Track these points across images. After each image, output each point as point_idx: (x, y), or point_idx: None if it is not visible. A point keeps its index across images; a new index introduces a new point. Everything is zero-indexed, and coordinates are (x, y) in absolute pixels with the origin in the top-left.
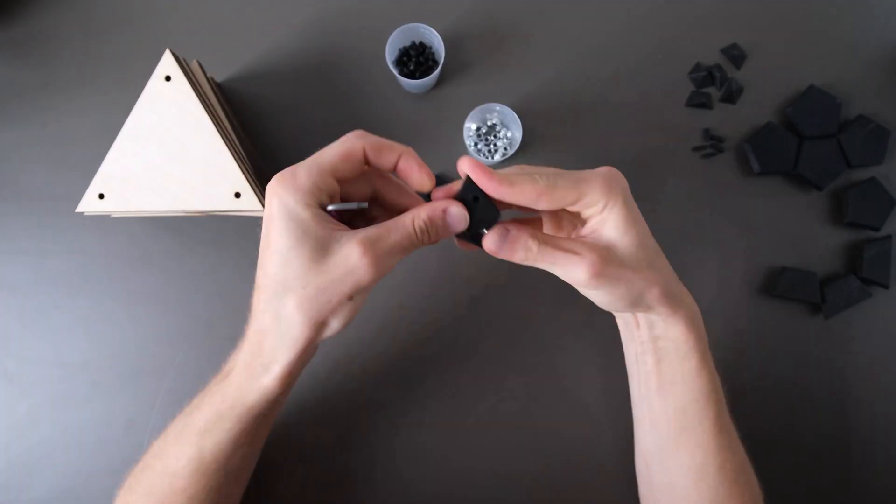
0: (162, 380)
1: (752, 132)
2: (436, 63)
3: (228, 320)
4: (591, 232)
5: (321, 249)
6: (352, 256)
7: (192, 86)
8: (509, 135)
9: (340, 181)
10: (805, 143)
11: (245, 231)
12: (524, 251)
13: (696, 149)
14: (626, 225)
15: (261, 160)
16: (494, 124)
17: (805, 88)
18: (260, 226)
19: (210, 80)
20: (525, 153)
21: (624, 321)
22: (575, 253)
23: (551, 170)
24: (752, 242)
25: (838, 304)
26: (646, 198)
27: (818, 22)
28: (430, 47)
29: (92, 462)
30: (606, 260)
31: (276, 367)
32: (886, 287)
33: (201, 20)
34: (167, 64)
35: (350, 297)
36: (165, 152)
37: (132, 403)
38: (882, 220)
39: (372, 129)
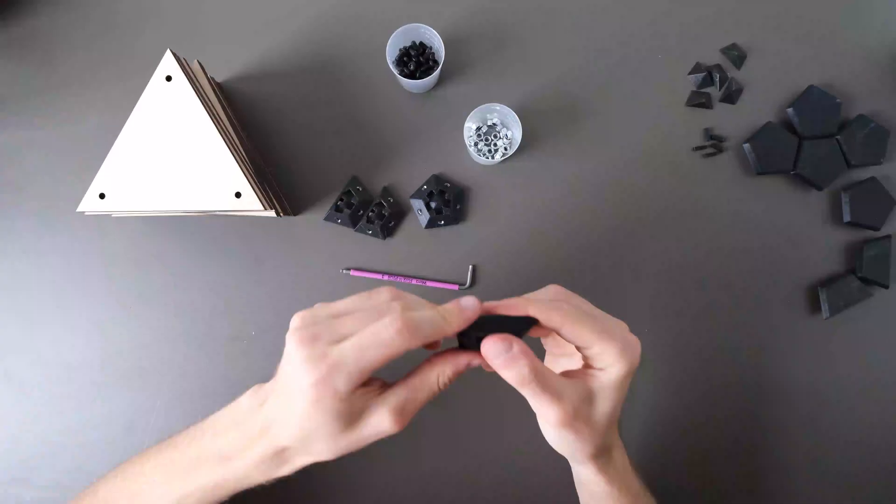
0: (162, 380)
1: (752, 132)
2: (436, 63)
3: (228, 320)
4: (582, 371)
5: (352, 423)
6: (383, 423)
7: (192, 86)
8: (509, 134)
9: None
10: (805, 143)
11: (245, 231)
12: (518, 375)
13: (697, 149)
14: (614, 392)
15: (261, 160)
16: (495, 124)
17: (805, 88)
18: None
19: (210, 80)
20: (525, 153)
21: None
22: (557, 398)
23: (585, 306)
24: (752, 242)
25: (838, 304)
26: (646, 197)
27: (818, 22)
28: (430, 47)
29: (92, 462)
30: (578, 414)
31: (292, 468)
32: (886, 287)
33: (201, 20)
34: (168, 64)
35: (373, 439)
36: (166, 152)
37: (132, 403)
38: (882, 220)
39: (372, 128)
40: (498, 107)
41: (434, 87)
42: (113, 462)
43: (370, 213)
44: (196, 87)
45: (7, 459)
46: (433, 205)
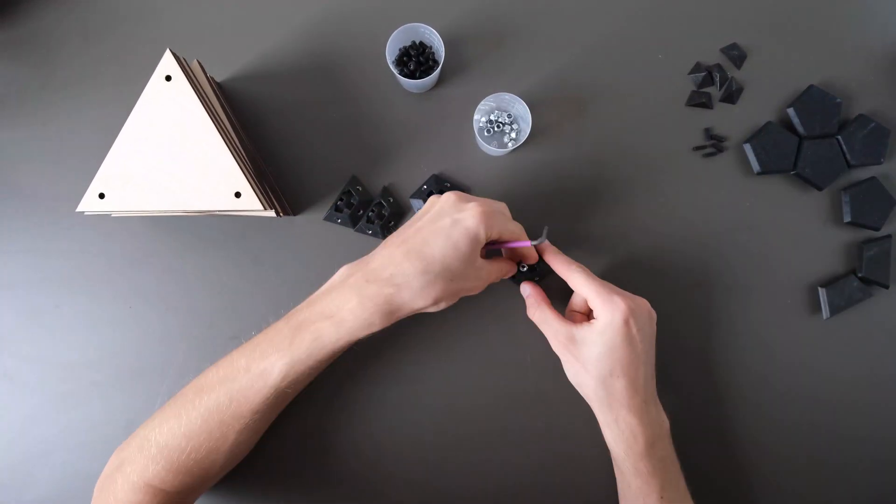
0: (162, 380)
1: (752, 132)
2: (436, 63)
3: (228, 320)
4: (581, 320)
5: (475, 265)
6: (488, 268)
7: (192, 86)
8: (516, 127)
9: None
10: (805, 142)
11: (245, 231)
12: (532, 307)
13: (697, 148)
14: (598, 338)
15: (261, 160)
16: (510, 114)
17: (805, 88)
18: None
19: (210, 80)
20: (526, 151)
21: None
22: (552, 328)
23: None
24: (752, 242)
25: (838, 304)
26: (646, 197)
27: (818, 22)
28: (430, 47)
29: (92, 462)
30: (569, 341)
31: (399, 315)
32: (886, 287)
33: (201, 20)
34: (167, 64)
35: (468, 290)
36: (165, 152)
37: (132, 403)
38: (882, 220)
39: (372, 128)
40: (507, 96)
41: (434, 87)
42: None
43: (370, 213)
44: (196, 86)
45: (7, 459)
46: None
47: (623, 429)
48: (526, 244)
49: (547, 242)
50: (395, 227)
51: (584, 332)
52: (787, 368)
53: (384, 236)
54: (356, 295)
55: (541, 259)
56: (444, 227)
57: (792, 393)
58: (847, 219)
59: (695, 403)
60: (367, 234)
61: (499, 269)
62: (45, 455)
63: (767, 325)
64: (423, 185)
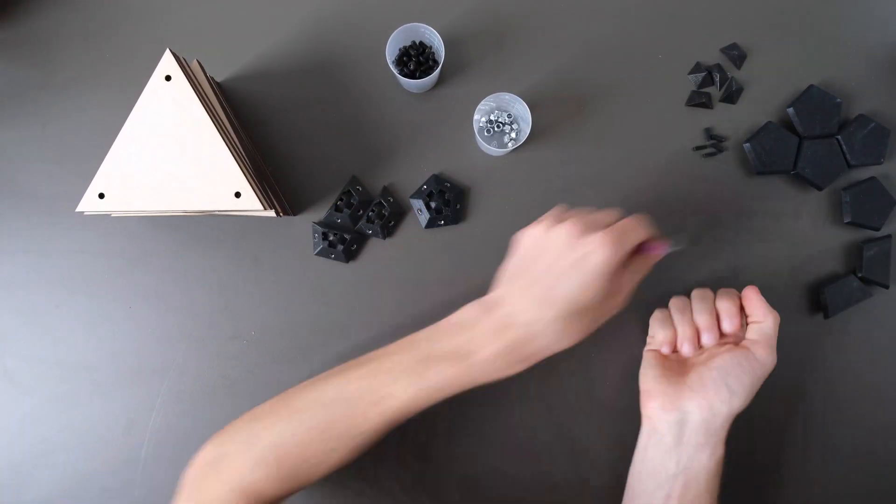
0: (162, 380)
1: (752, 132)
2: (436, 63)
3: (228, 320)
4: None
5: (612, 289)
6: (618, 300)
7: (192, 85)
8: (516, 126)
9: None
10: (805, 142)
11: (245, 231)
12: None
13: (697, 148)
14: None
15: (261, 160)
16: (510, 114)
17: (805, 88)
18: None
19: (210, 80)
20: (526, 151)
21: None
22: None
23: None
24: (752, 242)
25: (838, 304)
26: (646, 197)
27: (818, 22)
28: (430, 47)
29: (92, 462)
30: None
31: (534, 360)
32: (886, 287)
33: (201, 20)
34: (167, 64)
35: (600, 321)
36: (165, 152)
37: (132, 403)
38: (882, 220)
39: (372, 128)
40: (507, 96)
41: (434, 87)
42: (113, 462)
43: (370, 213)
44: (196, 86)
45: (7, 459)
46: (433, 205)
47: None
48: (664, 251)
49: (752, 289)
50: (395, 226)
51: (753, 347)
52: (787, 368)
53: (384, 236)
54: (493, 341)
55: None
56: (571, 266)
57: (792, 393)
58: (847, 219)
59: None
60: (368, 233)
61: (639, 273)
62: (45, 455)
63: None
64: (423, 184)
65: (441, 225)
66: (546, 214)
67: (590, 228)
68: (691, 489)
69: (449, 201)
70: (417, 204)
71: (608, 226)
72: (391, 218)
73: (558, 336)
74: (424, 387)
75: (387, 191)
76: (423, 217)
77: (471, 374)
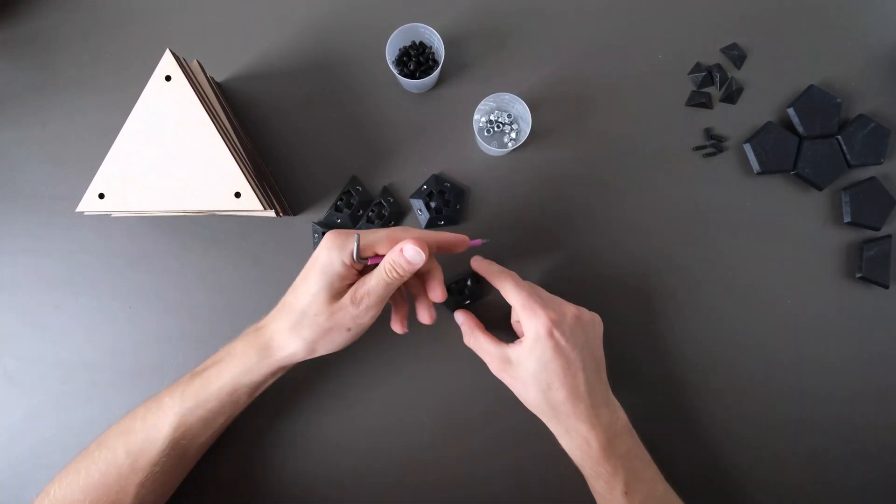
0: (162, 380)
1: (752, 132)
2: (436, 63)
3: (228, 320)
4: (515, 344)
5: (335, 296)
6: (343, 301)
7: (192, 86)
8: (517, 126)
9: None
10: (805, 142)
11: (245, 231)
12: (467, 335)
13: (697, 148)
14: (530, 356)
15: (261, 160)
16: (510, 114)
17: (805, 88)
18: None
19: (210, 80)
20: (526, 151)
21: None
22: (488, 353)
23: (539, 291)
24: (752, 242)
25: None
26: (646, 197)
27: (818, 22)
28: (430, 47)
29: None
30: (502, 366)
31: (281, 354)
32: (886, 287)
33: (201, 20)
34: (167, 64)
35: (348, 329)
36: (165, 152)
37: (132, 403)
38: (882, 220)
39: (372, 128)
40: (507, 96)
41: (434, 87)
42: None
43: (370, 213)
44: (195, 86)
45: (6, 459)
46: (433, 205)
47: (575, 437)
48: (417, 253)
49: (479, 259)
50: (395, 226)
51: (517, 351)
52: (787, 368)
53: None
54: (241, 341)
55: (473, 282)
56: (304, 269)
57: (792, 393)
58: (847, 219)
59: (693, 403)
60: None
61: (376, 295)
62: (45, 455)
63: (767, 324)
64: (423, 184)
65: (441, 225)
66: None
67: (341, 233)
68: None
69: (449, 201)
70: (417, 204)
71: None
72: (391, 218)
73: (288, 338)
74: (187, 402)
75: (387, 191)
76: (423, 217)
77: (223, 376)
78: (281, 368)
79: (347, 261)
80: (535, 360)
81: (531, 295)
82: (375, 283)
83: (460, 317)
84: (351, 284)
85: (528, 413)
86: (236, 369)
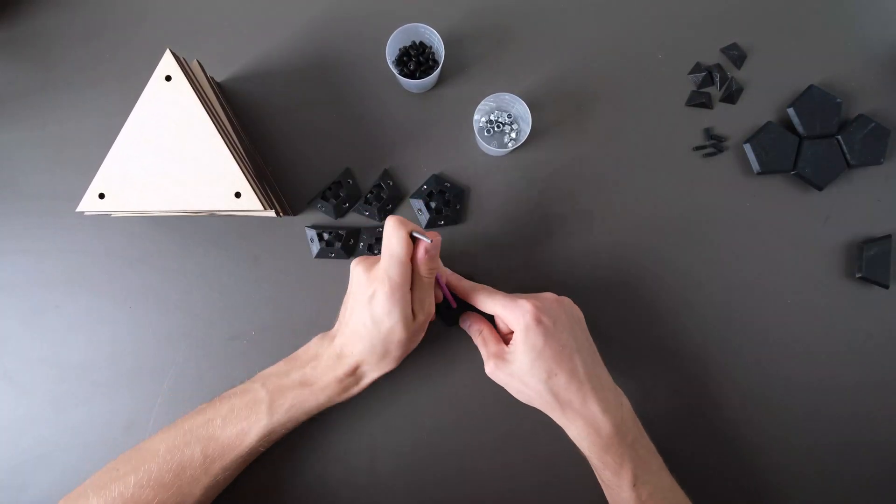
0: (162, 380)
1: (752, 132)
2: (436, 63)
3: (228, 320)
4: (509, 344)
5: (410, 320)
6: (419, 321)
7: (192, 86)
8: (517, 126)
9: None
10: (805, 142)
11: (245, 231)
12: (475, 334)
13: (697, 148)
14: (522, 347)
15: (261, 160)
16: (510, 114)
17: (805, 88)
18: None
19: (210, 80)
20: (526, 151)
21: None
22: (486, 350)
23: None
24: (752, 242)
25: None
26: (646, 197)
27: (818, 22)
28: (430, 47)
29: (92, 462)
30: (496, 366)
31: (366, 382)
32: (886, 287)
33: (201, 20)
34: (167, 64)
35: (419, 338)
36: (165, 152)
37: (132, 403)
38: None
39: (372, 128)
40: (507, 96)
41: (434, 87)
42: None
43: (368, 196)
44: (196, 86)
45: (6, 459)
46: (433, 205)
47: (581, 425)
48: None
49: (444, 272)
50: (393, 210)
51: (511, 349)
52: (787, 368)
53: (381, 219)
54: (332, 369)
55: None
56: (366, 303)
57: (792, 393)
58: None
59: (693, 403)
60: (365, 215)
61: (427, 293)
62: (44, 455)
63: (767, 324)
64: (424, 184)
65: (441, 225)
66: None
67: (373, 263)
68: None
69: (449, 201)
70: (417, 204)
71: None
72: (389, 202)
73: (378, 364)
74: (278, 418)
75: (387, 174)
76: (423, 217)
77: (319, 399)
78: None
79: (406, 287)
80: (528, 349)
81: (509, 294)
82: (425, 290)
83: (466, 321)
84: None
85: (527, 413)
86: (331, 394)
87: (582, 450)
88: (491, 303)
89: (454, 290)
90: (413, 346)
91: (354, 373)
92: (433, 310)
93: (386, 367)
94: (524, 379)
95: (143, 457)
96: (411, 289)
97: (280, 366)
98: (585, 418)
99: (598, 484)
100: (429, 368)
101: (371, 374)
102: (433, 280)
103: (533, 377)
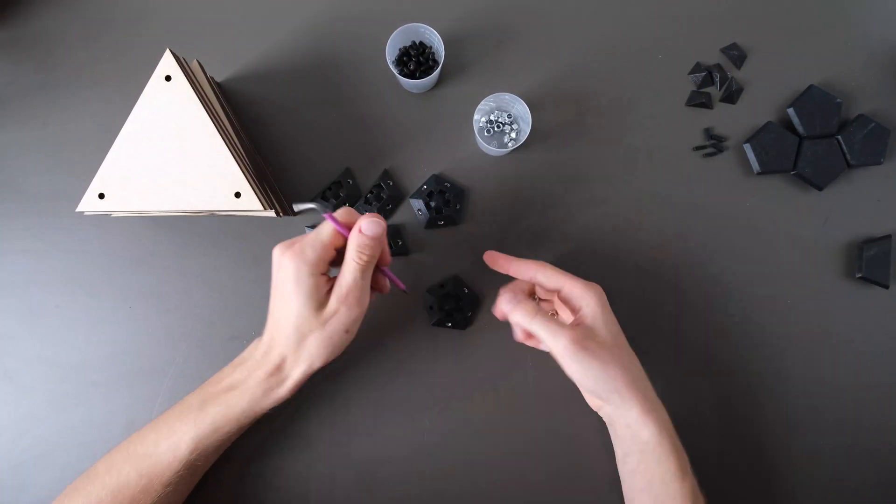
0: (162, 380)
1: (752, 132)
2: (436, 63)
3: (228, 320)
4: (576, 321)
5: (320, 306)
6: (331, 307)
7: (192, 86)
8: (517, 126)
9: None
10: (805, 142)
11: (245, 231)
12: (526, 312)
13: (697, 148)
14: (603, 321)
15: (261, 160)
16: (510, 114)
17: (805, 88)
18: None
19: (210, 80)
20: (526, 151)
21: (610, 422)
22: (562, 326)
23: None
24: (752, 242)
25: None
26: (646, 197)
27: (818, 22)
28: (430, 47)
29: (92, 462)
30: (584, 337)
31: (291, 382)
32: (887, 287)
33: (201, 20)
34: (167, 64)
35: (347, 331)
36: (165, 152)
37: (132, 403)
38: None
39: (372, 128)
40: (507, 96)
41: (434, 87)
42: None
43: (368, 196)
44: (196, 86)
45: (6, 459)
46: (433, 204)
47: (648, 408)
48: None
49: (495, 254)
50: (393, 210)
51: (591, 323)
52: (787, 368)
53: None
54: (257, 368)
55: (459, 287)
56: (276, 287)
57: (792, 393)
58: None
59: (692, 403)
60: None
61: (358, 286)
62: (44, 455)
63: (767, 324)
64: (423, 185)
65: (441, 225)
66: None
67: (291, 245)
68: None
69: (449, 201)
70: (417, 204)
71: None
72: (389, 201)
73: (298, 355)
74: (204, 427)
75: (387, 174)
76: (423, 217)
77: (243, 401)
78: (296, 387)
79: (314, 265)
80: (611, 322)
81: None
82: (352, 276)
83: (508, 300)
84: (329, 290)
85: (533, 413)
86: (254, 395)
87: (639, 436)
88: (559, 277)
89: (507, 269)
90: (338, 339)
91: (279, 371)
92: (365, 304)
93: (307, 360)
94: (612, 351)
95: (90, 478)
96: (334, 275)
97: (219, 372)
98: (652, 402)
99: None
100: (440, 378)
101: (294, 372)
102: (369, 271)
103: (623, 350)
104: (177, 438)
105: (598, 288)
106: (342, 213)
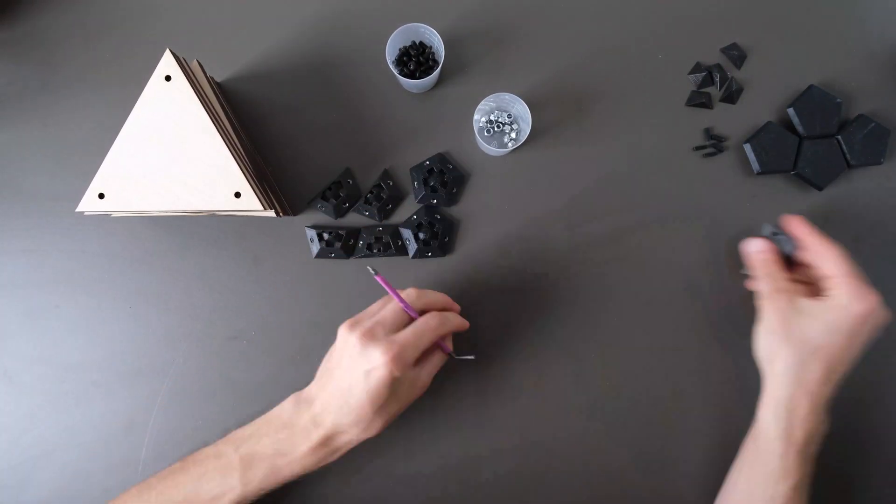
0: (162, 380)
1: (752, 132)
2: (436, 63)
3: (228, 320)
4: (815, 298)
5: (406, 390)
6: (419, 383)
7: (192, 86)
8: (517, 126)
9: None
10: (805, 142)
11: (245, 231)
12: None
13: (697, 148)
14: (827, 326)
15: (261, 160)
16: (510, 114)
17: (805, 88)
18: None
19: (210, 80)
20: (525, 150)
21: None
22: (778, 286)
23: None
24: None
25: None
26: (646, 197)
27: (818, 22)
28: (430, 47)
29: (92, 462)
30: (786, 307)
31: (343, 452)
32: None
33: (201, 20)
34: (167, 64)
35: (419, 397)
36: (165, 152)
37: (132, 403)
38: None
39: (372, 128)
40: (507, 96)
41: (434, 87)
42: (113, 462)
43: (368, 195)
44: (195, 86)
45: (6, 459)
46: (431, 183)
47: (791, 413)
48: (449, 350)
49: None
50: (393, 209)
51: (811, 303)
52: None
53: (381, 219)
54: (307, 439)
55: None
56: (360, 377)
57: None
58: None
59: (692, 403)
60: (365, 215)
61: (434, 366)
62: (45, 455)
63: None
64: (426, 160)
65: (434, 204)
66: (368, 309)
67: (376, 336)
68: None
69: (447, 183)
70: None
71: (399, 326)
72: (389, 201)
73: (359, 432)
74: (251, 487)
75: (387, 174)
76: (419, 193)
77: (294, 469)
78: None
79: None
80: (826, 322)
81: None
82: (429, 377)
83: (758, 247)
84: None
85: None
86: (305, 465)
87: (768, 432)
88: (843, 265)
89: (802, 234)
90: (395, 415)
91: (329, 443)
92: (434, 371)
93: (363, 436)
94: (790, 336)
95: None
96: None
97: (253, 427)
98: (800, 410)
99: None
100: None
101: (349, 444)
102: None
103: (801, 342)
104: (219, 492)
105: (871, 303)
106: (413, 297)
